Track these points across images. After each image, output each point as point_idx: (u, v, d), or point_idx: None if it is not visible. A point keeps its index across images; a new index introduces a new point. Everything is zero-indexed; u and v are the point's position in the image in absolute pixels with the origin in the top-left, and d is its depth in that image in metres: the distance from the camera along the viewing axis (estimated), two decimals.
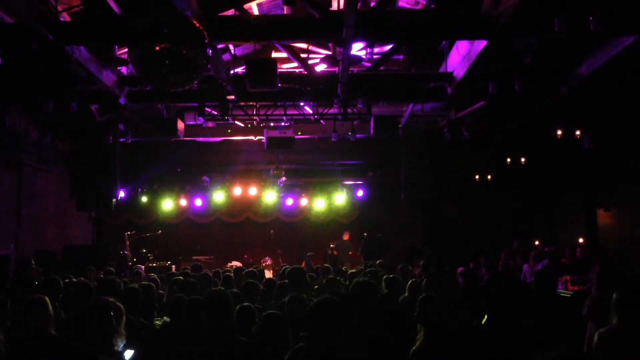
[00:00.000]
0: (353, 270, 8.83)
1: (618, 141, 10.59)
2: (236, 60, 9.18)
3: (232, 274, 7.82)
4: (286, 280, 6.08)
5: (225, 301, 3.57)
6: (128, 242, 13.76)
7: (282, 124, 10.28)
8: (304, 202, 15.24)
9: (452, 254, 12.79)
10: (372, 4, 7.68)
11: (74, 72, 7.11)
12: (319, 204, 15.18)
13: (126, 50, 7.64)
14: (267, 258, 14.13)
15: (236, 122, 10.71)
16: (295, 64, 9.25)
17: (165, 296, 6.18)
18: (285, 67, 9.78)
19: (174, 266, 13.01)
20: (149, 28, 4.33)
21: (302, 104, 9.93)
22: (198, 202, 14.91)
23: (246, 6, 7.44)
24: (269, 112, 9.98)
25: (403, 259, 11.51)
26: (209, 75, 7.69)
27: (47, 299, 3.64)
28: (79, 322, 3.52)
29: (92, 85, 7.90)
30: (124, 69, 8.51)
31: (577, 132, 10.03)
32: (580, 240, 13.11)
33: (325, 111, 9.93)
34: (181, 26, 4.37)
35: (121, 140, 10.16)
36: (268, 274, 10.75)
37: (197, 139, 11.97)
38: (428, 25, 6.52)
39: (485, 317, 4.49)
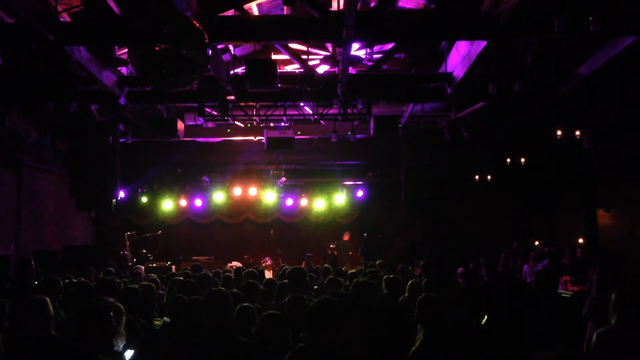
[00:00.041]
0: (353, 271, 8.83)
1: (618, 141, 10.59)
2: (236, 61, 9.18)
3: (232, 275, 7.82)
4: (286, 281, 6.07)
5: (225, 301, 3.57)
6: (128, 243, 13.76)
7: (282, 124, 10.27)
8: (304, 202, 15.24)
9: (452, 254, 12.80)
10: (372, 4, 7.68)
11: (74, 72, 7.11)
12: (319, 204, 15.19)
13: (126, 50, 7.63)
14: (267, 258, 14.13)
15: (236, 122, 10.71)
16: (296, 66, 9.25)
17: (165, 296, 6.17)
18: (286, 68, 9.78)
19: (174, 266, 13.01)
20: (149, 28, 4.32)
21: (302, 104, 9.93)
22: (198, 202, 14.91)
23: (246, 6, 7.44)
24: (269, 113, 9.98)
25: (403, 259, 11.51)
26: (209, 76, 7.69)
27: (47, 299, 3.64)
28: (79, 323, 3.52)
29: (92, 85, 7.90)
30: (124, 69, 8.51)
31: (577, 132, 10.04)
32: (580, 240, 13.11)
33: (325, 111, 9.93)
34: (181, 26, 4.36)
35: (121, 140, 10.16)
36: (268, 275, 10.75)
37: (197, 139, 11.98)
38: (428, 25, 6.51)
39: (485, 317, 4.49)
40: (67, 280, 6.78)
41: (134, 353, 3.92)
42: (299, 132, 11.33)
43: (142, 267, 10.96)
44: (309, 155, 13.40)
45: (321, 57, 9.52)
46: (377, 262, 9.77)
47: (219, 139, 12.19)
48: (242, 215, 15.88)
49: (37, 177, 11.56)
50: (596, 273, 6.05)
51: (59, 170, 11.97)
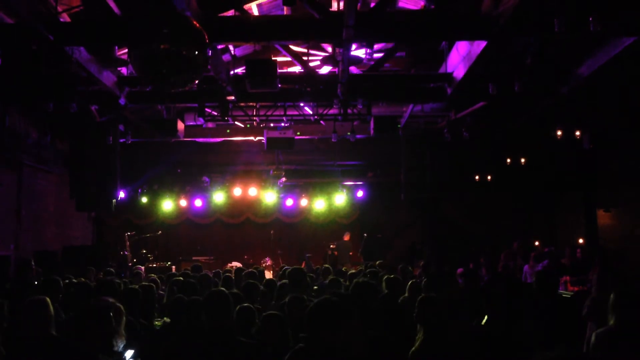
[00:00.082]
0: (353, 271, 8.83)
1: (618, 141, 10.59)
2: (236, 61, 9.18)
3: (232, 275, 7.82)
4: (286, 281, 6.07)
5: (225, 302, 3.57)
6: (128, 243, 13.76)
7: (282, 124, 10.28)
8: (304, 202, 15.24)
9: (452, 254, 12.80)
10: (372, 5, 7.68)
11: (74, 73, 7.11)
12: (319, 204, 15.19)
13: (126, 50, 7.63)
14: (267, 259, 14.14)
15: (236, 122, 10.71)
16: (297, 68, 9.26)
17: (165, 297, 6.17)
18: (285, 70, 9.79)
19: (174, 267, 13.01)
20: (149, 28, 4.33)
21: (302, 104, 9.93)
22: (198, 202, 14.91)
23: (246, 7, 7.44)
24: (269, 113, 9.98)
25: (403, 260, 11.51)
26: (209, 76, 7.69)
27: (47, 299, 3.64)
28: (79, 323, 3.52)
29: (92, 85, 7.90)
30: (124, 70, 8.51)
31: (577, 132, 10.04)
32: (580, 240, 13.11)
33: (325, 112, 9.93)
34: (181, 27, 4.36)
35: (121, 140, 10.16)
36: (268, 275, 10.76)
37: (197, 139, 11.98)
38: (428, 25, 6.51)
39: (485, 317, 4.49)
40: (67, 281, 6.78)
41: (134, 353, 3.92)
42: (298, 133, 11.33)
43: (142, 268, 10.97)
44: (309, 156, 13.40)
45: (320, 57, 9.52)
46: (377, 262, 9.77)
47: (219, 139, 12.19)
48: (242, 216, 15.88)
49: (37, 177, 11.56)
50: (596, 273, 6.06)
51: (59, 171, 11.97)
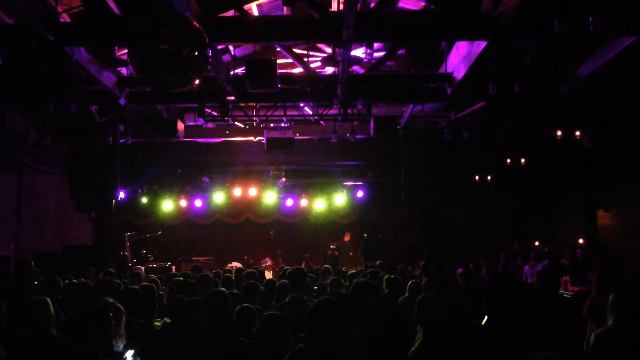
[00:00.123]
0: (353, 271, 8.83)
1: (618, 141, 10.59)
2: (236, 61, 9.18)
3: (232, 275, 7.82)
4: (286, 281, 6.08)
5: (224, 302, 3.57)
6: (128, 243, 13.76)
7: (282, 124, 10.28)
8: (304, 202, 15.24)
9: (452, 254, 12.80)
10: (372, 5, 7.68)
11: (74, 73, 7.11)
12: (319, 204, 15.19)
13: (126, 51, 7.64)
14: (267, 259, 14.14)
15: (236, 122, 10.71)
16: (298, 69, 9.25)
17: (165, 297, 6.18)
18: (285, 71, 9.78)
19: (174, 267, 13.01)
20: (149, 29, 4.33)
21: (302, 104, 9.93)
22: (198, 203, 14.91)
23: (246, 7, 7.44)
24: (269, 113, 9.98)
25: (403, 260, 11.51)
26: (209, 76, 7.69)
27: (48, 299, 3.64)
28: (79, 323, 3.52)
29: (92, 86, 7.90)
30: (124, 70, 8.51)
31: (577, 132, 10.04)
32: (581, 240, 13.12)
33: (325, 112, 9.93)
34: (181, 27, 4.37)
35: (121, 141, 10.15)
36: (268, 275, 10.76)
37: (197, 139, 11.98)
38: (428, 25, 6.51)
39: (485, 317, 4.49)
40: (67, 281, 6.78)
41: (134, 353, 3.92)
42: (298, 133, 11.33)
43: (142, 268, 10.97)
44: (309, 156, 13.39)
45: (319, 58, 9.52)
46: (377, 262, 9.77)
47: (219, 140, 12.19)
48: (242, 216, 15.88)
49: (37, 178, 11.56)
50: (596, 273, 6.05)
51: (59, 171, 11.97)
